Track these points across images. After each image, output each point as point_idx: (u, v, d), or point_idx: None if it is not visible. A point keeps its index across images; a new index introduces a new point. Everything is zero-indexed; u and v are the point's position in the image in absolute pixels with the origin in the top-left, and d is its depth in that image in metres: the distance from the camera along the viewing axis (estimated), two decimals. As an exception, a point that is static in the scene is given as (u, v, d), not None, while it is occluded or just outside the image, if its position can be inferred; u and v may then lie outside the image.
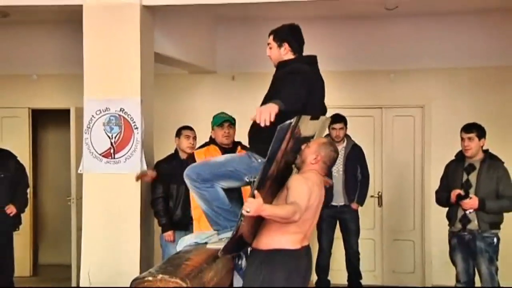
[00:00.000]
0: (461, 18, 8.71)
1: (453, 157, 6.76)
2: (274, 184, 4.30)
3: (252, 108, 8.52)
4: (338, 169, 7.81)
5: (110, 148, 6.64)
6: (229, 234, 4.51)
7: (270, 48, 4.79)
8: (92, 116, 6.66)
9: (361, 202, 8.08)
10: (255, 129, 4.60)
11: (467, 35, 8.82)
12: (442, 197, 6.71)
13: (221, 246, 4.47)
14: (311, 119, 4.48)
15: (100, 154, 6.65)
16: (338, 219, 7.95)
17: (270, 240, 4.42)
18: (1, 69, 9.57)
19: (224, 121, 6.31)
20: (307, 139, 4.60)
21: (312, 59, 4.78)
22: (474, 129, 6.48)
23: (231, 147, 6.24)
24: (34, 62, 9.51)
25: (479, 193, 6.36)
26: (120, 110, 6.61)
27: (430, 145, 8.99)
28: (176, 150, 7.02)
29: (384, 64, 8.96)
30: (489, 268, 6.37)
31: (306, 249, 4.60)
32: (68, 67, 8.73)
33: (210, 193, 4.60)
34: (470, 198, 6.32)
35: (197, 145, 6.77)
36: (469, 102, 8.75)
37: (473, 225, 6.39)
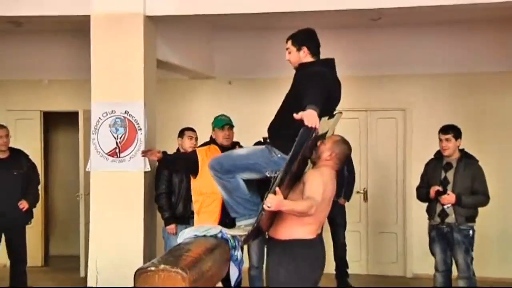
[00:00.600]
0: (440, 29, 8.72)
1: (432, 156, 6.78)
2: (290, 177, 4.32)
3: (247, 110, 8.64)
4: None
5: (115, 148, 6.62)
6: (246, 222, 4.56)
7: (289, 52, 4.72)
8: (99, 118, 6.64)
9: (348, 198, 8.08)
10: (276, 127, 4.58)
11: (445, 44, 8.84)
12: (422, 193, 6.73)
13: (240, 233, 4.55)
14: (329, 118, 4.49)
15: (106, 154, 6.63)
16: None
17: (288, 231, 4.44)
18: (14, 75, 9.58)
19: (225, 124, 6.33)
20: (322, 136, 4.55)
21: (331, 62, 4.76)
22: (451, 130, 6.51)
23: (230, 147, 6.24)
24: (45, 68, 9.52)
25: (456, 189, 6.39)
26: (125, 112, 6.60)
27: (411, 145, 9.01)
28: (178, 150, 7.01)
29: (369, 70, 8.96)
30: (465, 258, 6.41)
31: (320, 237, 4.63)
32: (76, 73, 8.72)
33: (231, 184, 4.58)
34: (448, 194, 6.35)
35: (198, 145, 6.78)
36: (446, 105, 8.77)
37: (451, 218, 6.42)
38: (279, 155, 4.44)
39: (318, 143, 4.56)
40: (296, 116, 3.89)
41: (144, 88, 6.64)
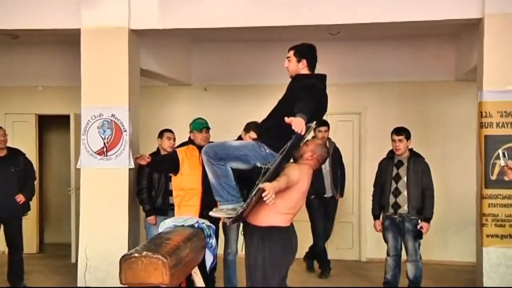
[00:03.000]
0: (391, 42, 8.80)
1: (384, 155, 6.81)
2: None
3: (220, 114, 8.56)
4: (325, 166, 7.58)
5: (103, 147, 6.60)
6: (228, 206, 4.49)
7: (289, 61, 4.64)
8: (88, 120, 6.63)
9: (342, 194, 8.07)
10: (267, 127, 4.55)
11: (395, 55, 8.89)
12: (373, 209, 6.86)
13: (222, 215, 4.53)
14: (315, 124, 4.51)
15: (95, 152, 6.60)
16: (324, 208, 7.92)
17: (266, 218, 4.44)
18: (12, 82, 9.50)
19: (203, 127, 6.30)
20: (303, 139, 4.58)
21: (323, 78, 4.72)
22: (403, 132, 6.55)
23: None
24: (40, 76, 9.43)
25: (410, 184, 6.46)
26: (112, 115, 6.58)
27: (365, 145, 9.04)
28: (158, 149, 6.96)
29: (328, 79, 8.92)
30: (414, 245, 6.50)
31: (293, 227, 4.66)
32: (68, 80, 8.66)
33: (221, 170, 4.48)
34: (421, 227, 6.43)
35: (176, 145, 6.74)
36: (396, 110, 8.81)
37: (403, 210, 6.49)
38: (267, 151, 4.41)
39: (301, 144, 4.60)
40: (287, 120, 3.91)
41: (129, 93, 6.63)
